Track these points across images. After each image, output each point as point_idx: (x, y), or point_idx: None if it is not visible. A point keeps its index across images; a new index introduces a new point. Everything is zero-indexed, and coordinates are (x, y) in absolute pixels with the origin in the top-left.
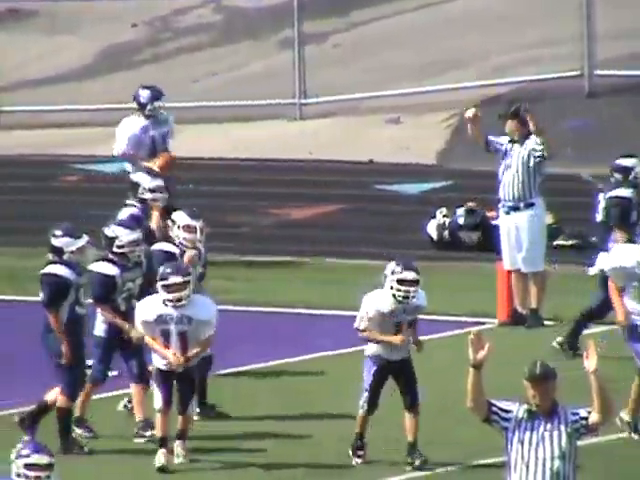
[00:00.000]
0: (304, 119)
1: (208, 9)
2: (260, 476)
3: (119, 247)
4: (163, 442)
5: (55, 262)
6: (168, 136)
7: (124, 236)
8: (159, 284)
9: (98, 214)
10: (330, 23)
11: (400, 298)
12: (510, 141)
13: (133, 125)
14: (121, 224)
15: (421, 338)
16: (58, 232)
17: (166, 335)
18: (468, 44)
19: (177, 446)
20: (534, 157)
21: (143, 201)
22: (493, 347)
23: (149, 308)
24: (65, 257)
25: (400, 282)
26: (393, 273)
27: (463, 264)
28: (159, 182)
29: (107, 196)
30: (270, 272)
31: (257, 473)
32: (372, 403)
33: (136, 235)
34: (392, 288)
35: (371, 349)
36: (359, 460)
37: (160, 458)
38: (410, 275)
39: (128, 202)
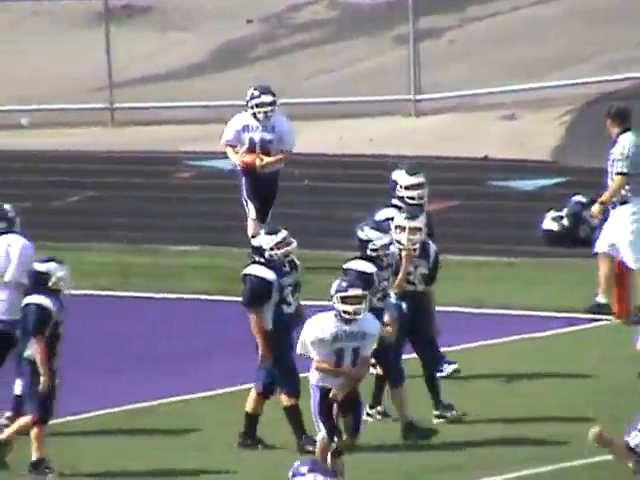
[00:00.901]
0: (419, 115)
1: (322, 5)
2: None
3: (373, 250)
4: None
5: (256, 262)
6: (268, 144)
7: (377, 240)
8: (337, 296)
9: (211, 211)
10: (445, 19)
11: None
12: None
13: (239, 121)
14: (375, 227)
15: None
16: (260, 231)
17: (340, 353)
18: (584, 40)
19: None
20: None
21: (400, 199)
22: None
23: (323, 327)
24: (266, 256)
25: None
26: None
27: (577, 260)
28: (418, 179)
29: (220, 192)
30: None
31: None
32: None
33: (388, 239)
34: None
35: None
36: None
37: None
38: None
39: (394, 202)
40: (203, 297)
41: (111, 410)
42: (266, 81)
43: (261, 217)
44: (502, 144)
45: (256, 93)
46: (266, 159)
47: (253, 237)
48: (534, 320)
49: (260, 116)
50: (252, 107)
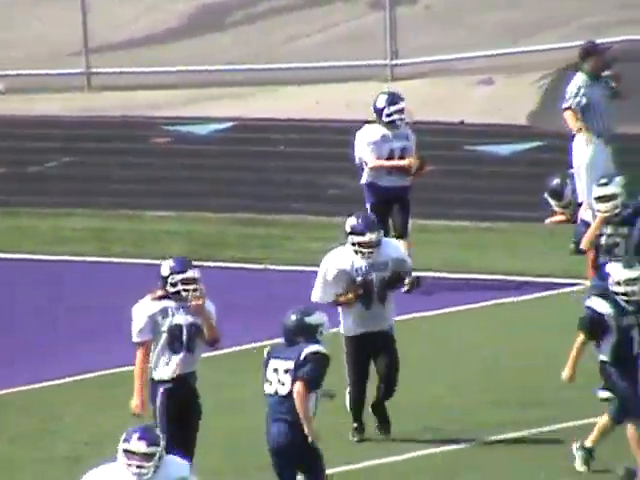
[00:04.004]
0: (395, 80)
1: None
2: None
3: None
4: None
5: None
6: (407, 152)
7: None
8: None
9: (188, 176)
10: None
11: None
12: None
13: (373, 132)
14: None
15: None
16: None
17: None
18: (560, 4)
19: None
20: None
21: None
22: None
23: None
24: None
25: None
26: None
27: (552, 225)
28: (604, 190)
29: (198, 158)
30: None
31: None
32: None
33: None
34: None
35: None
36: None
37: None
38: None
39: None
40: None
41: (87, 376)
42: (243, 46)
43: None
44: (479, 109)
45: (386, 96)
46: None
47: None
48: (513, 285)
49: (398, 123)
50: (388, 115)
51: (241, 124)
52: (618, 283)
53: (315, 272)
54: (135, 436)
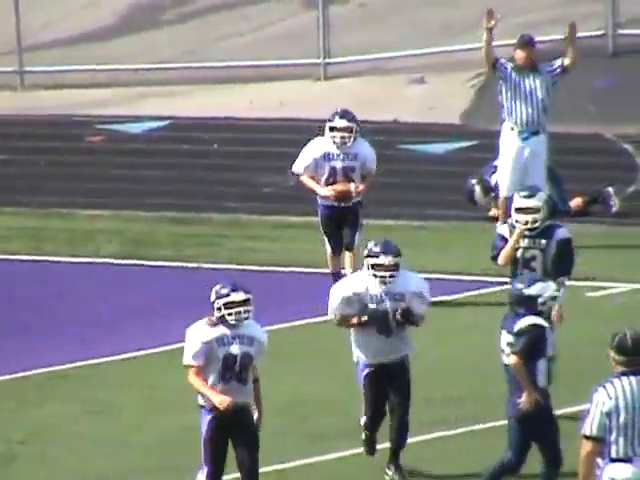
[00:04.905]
0: (328, 79)
1: None
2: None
3: None
4: None
5: None
6: (351, 172)
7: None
8: None
9: (121, 175)
10: None
11: None
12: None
13: (317, 147)
14: None
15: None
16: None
17: None
18: (492, 3)
19: None
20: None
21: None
22: None
23: None
24: None
25: None
26: None
27: (483, 223)
28: (526, 202)
29: (131, 156)
30: (293, 232)
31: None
32: None
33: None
34: None
35: None
36: None
37: None
38: None
39: None
40: (114, 261)
41: (22, 374)
42: (177, 44)
43: (339, 251)
44: (412, 108)
45: (334, 116)
46: (361, 186)
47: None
48: (446, 283)
49: (337, 140)
50: (331, 130)
51: (175, 123)
52: None
53: (251, 270)
54: None
